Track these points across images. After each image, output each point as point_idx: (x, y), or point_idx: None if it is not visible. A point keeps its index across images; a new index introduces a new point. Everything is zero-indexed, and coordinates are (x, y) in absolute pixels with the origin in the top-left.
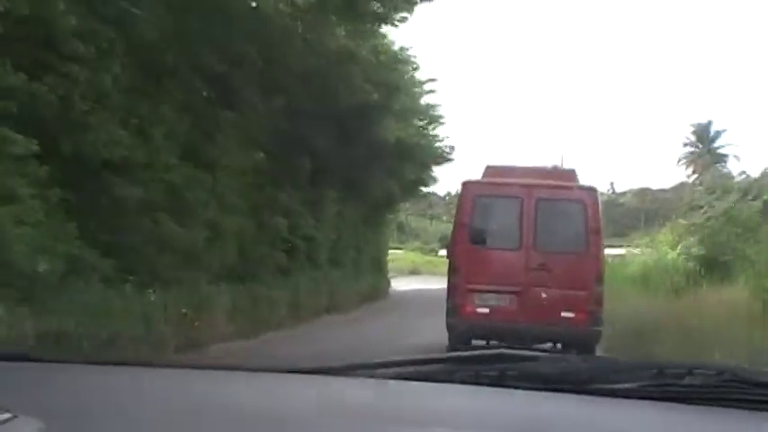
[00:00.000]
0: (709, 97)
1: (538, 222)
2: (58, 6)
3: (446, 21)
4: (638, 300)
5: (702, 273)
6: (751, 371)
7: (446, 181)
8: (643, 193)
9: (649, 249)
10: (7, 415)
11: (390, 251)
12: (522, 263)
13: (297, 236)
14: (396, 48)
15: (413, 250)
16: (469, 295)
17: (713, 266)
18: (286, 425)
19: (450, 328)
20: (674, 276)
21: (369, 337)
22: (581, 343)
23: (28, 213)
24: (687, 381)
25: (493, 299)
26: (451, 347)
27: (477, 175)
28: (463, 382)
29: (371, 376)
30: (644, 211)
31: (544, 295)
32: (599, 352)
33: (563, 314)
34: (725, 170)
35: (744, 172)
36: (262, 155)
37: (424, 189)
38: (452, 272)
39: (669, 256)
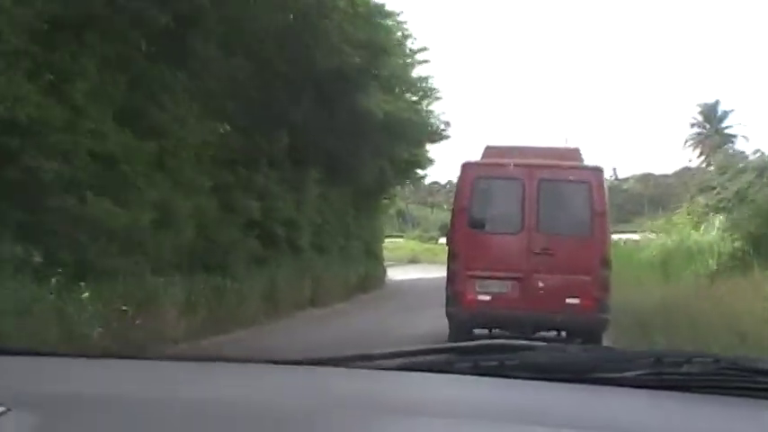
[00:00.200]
0: (716, 77)
1: (540, 205)
2: None
3: None
4: (661, 286)
5: (751, 253)
6: (749, 358)
7: (446, 168)
8: (646, 178)
9: (663, 233)
10: (0, 409)
11: (390, 240)
12: (524, 247)
13: (274, 220)
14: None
15: (413, 238)
16: (470, 282)
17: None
18: (285, 417)
19: (450, 317)
20: (710, 259)
21: (354, 333)
22: (587, 331)
23: None
24: (685, 369)
25: (494, 286)
26: (452, 337)
27: (476, 157)
28: (462, 372)
29: (371, 367)
30: (647, 196)
31: (548, 281)
32: (610, 343)
33: (568, 301)
34: (735, 150)
35: (759, 150)
36: (227, 127)
37: (420, 172)
38: (452, 258)
39: (693, 238)
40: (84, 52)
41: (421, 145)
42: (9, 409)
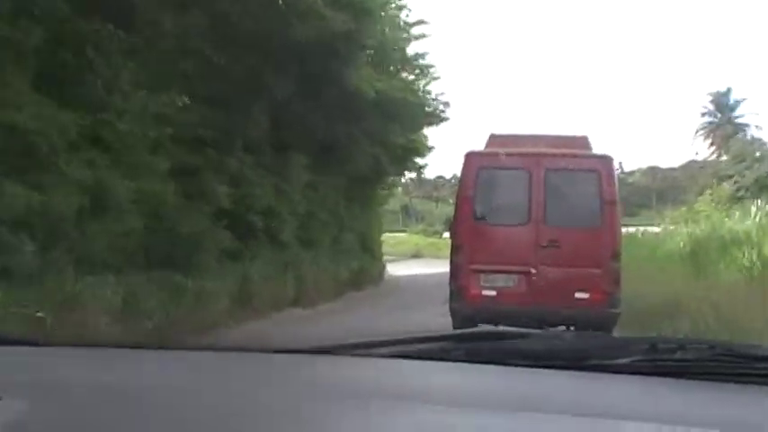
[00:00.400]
0: (726, 65)
1: (548, 195)
2: None
3: None
4: (694, 282)
5: None
6: (743, 345)
7: (451, 162)
8: (652, 171)
9: (685, 222)
10: None
11: (393, 234)
12: (531, 240)
13: (250, 209)
14: None
15: (416, 233)
16: (474, 276)
17: None
18: (278, 406)
19: (453, 312)
20: (749, 250)
21: (334, 337)
22: (597, 326)
23: None
24: (680, 355)
25: (500, 280)
26: None
27: (480, 147)
28: (457, 359)
29: (365, 355)
30: (654, 189)
31: (556, 275)
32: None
33: (577, 295)
34: (753, 137)
35: None
36: (186, 99)
37: (420, 161)
38: (455, 251)
39: (727, 226)
40: None
41: (418, 128)
42: (0, 398)
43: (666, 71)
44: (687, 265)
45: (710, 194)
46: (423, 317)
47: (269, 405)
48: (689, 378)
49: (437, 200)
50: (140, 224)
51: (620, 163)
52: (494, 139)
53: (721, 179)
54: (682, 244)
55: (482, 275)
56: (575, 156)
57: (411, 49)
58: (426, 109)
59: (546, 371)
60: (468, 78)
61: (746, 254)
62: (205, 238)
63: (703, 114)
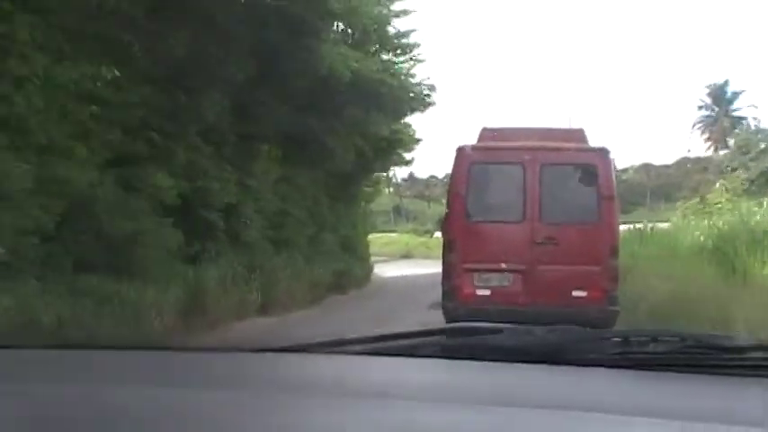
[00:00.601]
0: (720, 58)
1: (543, 190)
2: None
3: None
4: (727, 283)
5: None
6: (713, 336)
7: (443, 162)
8: (646, 168)
9: (696, 215)
10: None
11: (383, 234)
12: (526, 237)
13: (208, 205)
14: None
15: (407, 232)
16: (467, 276)
17: None
18: (254, 403)
19: (446, 313)
20: None
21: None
22: (596, 326)
23: None
24: (651, 348)
25: (494, 279)
26: None
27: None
28: (430, 355)
29: (338, 353)
30: (648, 186)
31: (552, 273)
32: None
33: (574, 293)
34: (758, 127)
35: None
36: (116, 71)
37: (407, 156)
38: (448, 249)
39: (755, 218)
40: None
41: (401, 115)
42: None
43: (658, 67)
44: (712, 261)
45: (723, 185)
46: (410, 320)
47: (243, 403)
48: (661, 370)
49: (429, 199)
50: (52, 220)
51: (613, 160)
52: (486, 133)
53: (725, 172)
54: (702, 238)
55: (476, 274)
56: (571, 149)
57: (394, 28)
58: (410, 94)
59: (519, 365)
60: (460, 73)
61: None
62: (146, 237)
63: (700, 107)
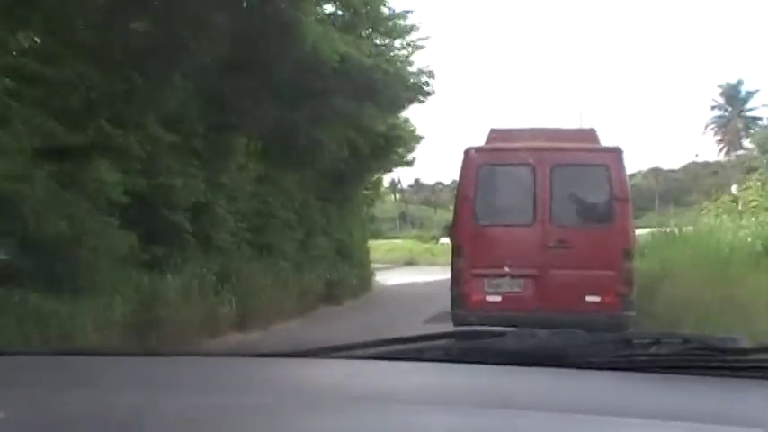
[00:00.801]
0: (725, 60)
1: (554, 192)
2: None
3: None
4: None
5: None
6: (716, 338)
7: (450, 167)
8: (654, 172)
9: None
10: None
11: (387, 241)
12: (537, 241)
13: (171, 205)
14: None
15: (411, 238)
16: (477, 281)
17: None
18: (259, 408)
19: (456, 320)
20: None
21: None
22: (610, 332)
23: None
24: (654, 350)
25: (505, 284)
26: None
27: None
28: (434, 359)
29: (344, 357)
30: (656, 191)
31: (564, 278)
32: None
33: (587, 298)
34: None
35: None
36: (36, 39)
37: (408, 156)
38: (456, 255)
39: None
40: None
41: (398, 107)
42: None
43: (666, 69)
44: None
45: (759, 180)
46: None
47: (248, 409)
48: (664, 372)
49: (436, 206)
50: None
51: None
52: (494, 134)
53: (747, 171)
54: (749, 239)
55: (485, 280)
56: (582, 150)
57: (388, 9)
58: (408, 82)
59: (522, 369)
60: (466, 76)
61: None
62: (88, 240)
63: (713, 108)
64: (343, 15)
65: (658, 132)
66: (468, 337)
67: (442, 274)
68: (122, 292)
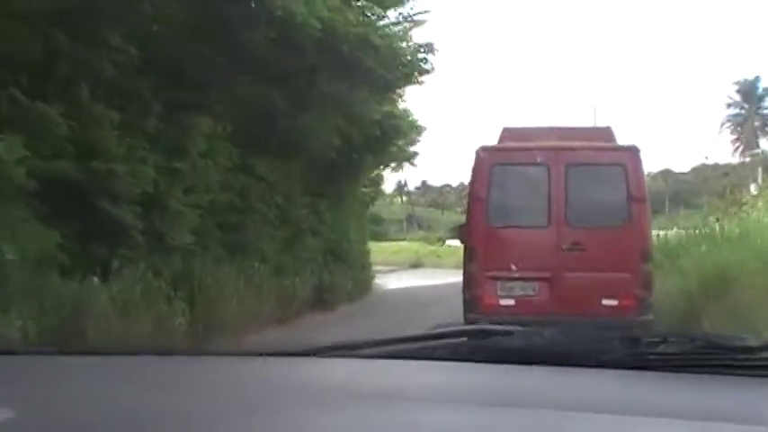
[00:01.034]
0: (735, 58)
1: (569, 192)
2: None
3: None
4: None
5: None
6: (723, 336)
7: (458, 169)
8: (665, 174)
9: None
10: None
11: (392, 243)
12: (552, 242)
13: (110, 195)
14: None
15: (417, 240)
16: (490, 284)
17: None
18: (265, 407)
19: (468, 324)
20: None
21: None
22: None
23: None
24: (662, 349)
25: (519, 288)
26: None
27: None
28: (441, 358)
29: (350, 356)
30: (667, 193)
31: (580, 281)
32: None
33: (604, 302)
34: None
35: None
36: None
37: (409, 149)
38: (469, 257)
39: None
40: None
41: (391, 87)
42: None
43: (677, 69)
44: None
45: None
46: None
47: (254, 407)
48: (672, 371)
49: (443, 208)
50: None
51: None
52: (507, 133)
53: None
54: None
55: (499, 283)
56: (598, 148)
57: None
58: (402, 58)
59: (531, 367)
60: (475, 75)
61: None
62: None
63: (729, 106)
64: None
65: (668, 134)
66: (477, 336)
67: (448, 276)
68: (34, 304)
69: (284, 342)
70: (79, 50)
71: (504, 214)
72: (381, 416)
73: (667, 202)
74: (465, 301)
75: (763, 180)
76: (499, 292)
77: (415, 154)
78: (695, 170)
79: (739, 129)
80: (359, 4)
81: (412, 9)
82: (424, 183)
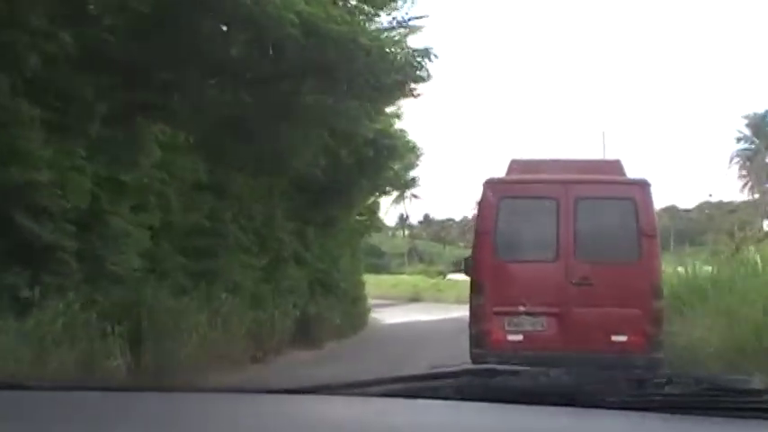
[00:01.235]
0: (754, 87)
1: (578, 226)
2: None
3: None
4: None
5: None
6: (729, 379)
7: (460, 203)
8: (670, 210)
9: None
10: None
11: (391, 276)
12: (560, 277)
13: (34, 210)
14: None
15: (417, 273)
16: (497, 320)
17: None
18: None
19: (475, 361)
20: None
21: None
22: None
23: None
24: (667, 390)
25: (527, 323)
26: None
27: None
28: (446, 397)
29: (358, 394)
30: (672, 230)
31: (589, 316)
32: None
33: (614, 338)
34: None
35: None
36: None
37: (408, 175)
38: (475, 291)
39: None
40: None
41: (384, 98)
42: None
43: (681, 107)
44: None
45: None
46: None
47: None
48: (677, 413)
49: (445, 242)
50: None
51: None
52: (515, 165)
53: None
54: None
55: (506, 318)
56: (607, 182)
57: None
58: (395, 62)
59: (534, 407)
60: (478, 107)
61: None
62: None
63: (738, 140)
64: None
65: (673, 170)
66: (483, 375)
67: (448, 311)
68: None
69: (288, 378)
70: None
71: (512, 248)
72: None
73: (672, 239)
74: (471, 337)
75: None
76: (507, 328)
77: (414, 180)
78: (699, 207)
79: (748, 163)
80: (347, 3)
81: (407, 14)
82: (426, 216)
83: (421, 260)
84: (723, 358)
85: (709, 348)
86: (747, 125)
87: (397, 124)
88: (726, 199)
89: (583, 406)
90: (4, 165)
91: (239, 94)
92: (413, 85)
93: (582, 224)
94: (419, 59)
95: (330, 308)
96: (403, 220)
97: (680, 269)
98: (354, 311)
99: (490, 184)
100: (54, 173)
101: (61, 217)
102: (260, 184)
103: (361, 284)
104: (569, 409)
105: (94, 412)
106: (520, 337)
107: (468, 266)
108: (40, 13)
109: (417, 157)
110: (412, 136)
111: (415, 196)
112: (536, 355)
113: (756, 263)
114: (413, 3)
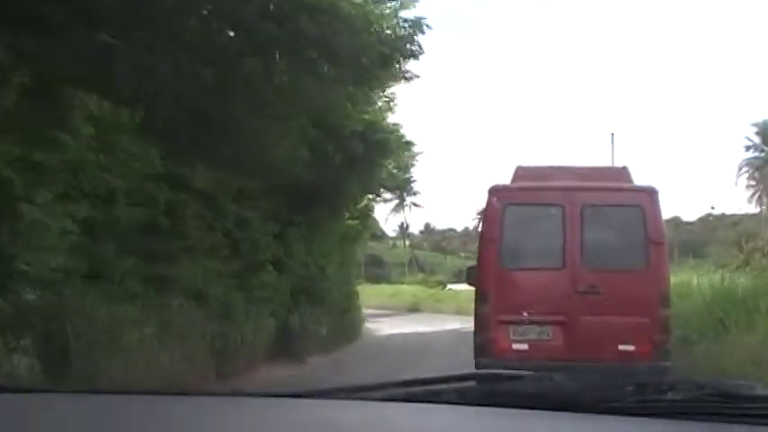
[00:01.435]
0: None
1: (585, 234)
2: None
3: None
4: None
5: None
6: (730, 384)
7: (461, 214)
8: (674, 222)
9: None
10: None
11: (390, 285)
12: (567, 286)
13: None
14: None
15: (416, 283)
16: (502, 328)
17: None
18: None
19: (480, 369)
20: None
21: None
22: None
23: None
24: (669, 396)
25: (532, 332)
26: None
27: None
28: (448, 402)
29: (358, 399)
30: (675, 242)
31: (596, 325)
32: None
33: (621, 347)
34: None
35: None
36: None
37: (402, 174)
38: (480, 300)
39: None
40: None
41: (370, 75)
42: None
43: (687, 117)
44: None
45: None
46: None
47: None
48: (679, 418)
49: (446, 252)
50: None
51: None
52: (521, 172)
53: None
54: None
55: (512, 327)
56: (614, 189)
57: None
58: (382, 35)
59: (537, 412)
60: (479, 118)
61: None
62: None
63: (748, 148)
64: None
65: (676, 182)
66: (486, 380)
67: (447, 322)
68: None
69: (290, 383)
70: None
71: (517, 256)
72: None
73: (676, 251)
74: (476, 346)
75: None
76: (512, 337)
77: (410, 180)
78: (702, 220)
79: (757, 173)
80: None
81: None
82: (427, 225)
83: (422, 270)
84: None
85: None
86: (757, 133)
87: (390, 118)
88: (728, 211)
89: (586, 411)
90: None
91: (198, 71)
92: (404, 65)
93: (589, 232)
94: (412, 31)
95: (315, 319)
96: (403, 229)
97: (694, 279)
98: (345, 322)
99: (495, 191)
100: None
101: None
102: (228, 178)
103: (354, 294)
104: (572, 415)
105: (107, 417)
106: (525, 346)
107: (470, 276)
108: None
109: (412, 155)
110: (409, 135)
111: (415, 205)
112: (541, 364)
113: None
114: None
